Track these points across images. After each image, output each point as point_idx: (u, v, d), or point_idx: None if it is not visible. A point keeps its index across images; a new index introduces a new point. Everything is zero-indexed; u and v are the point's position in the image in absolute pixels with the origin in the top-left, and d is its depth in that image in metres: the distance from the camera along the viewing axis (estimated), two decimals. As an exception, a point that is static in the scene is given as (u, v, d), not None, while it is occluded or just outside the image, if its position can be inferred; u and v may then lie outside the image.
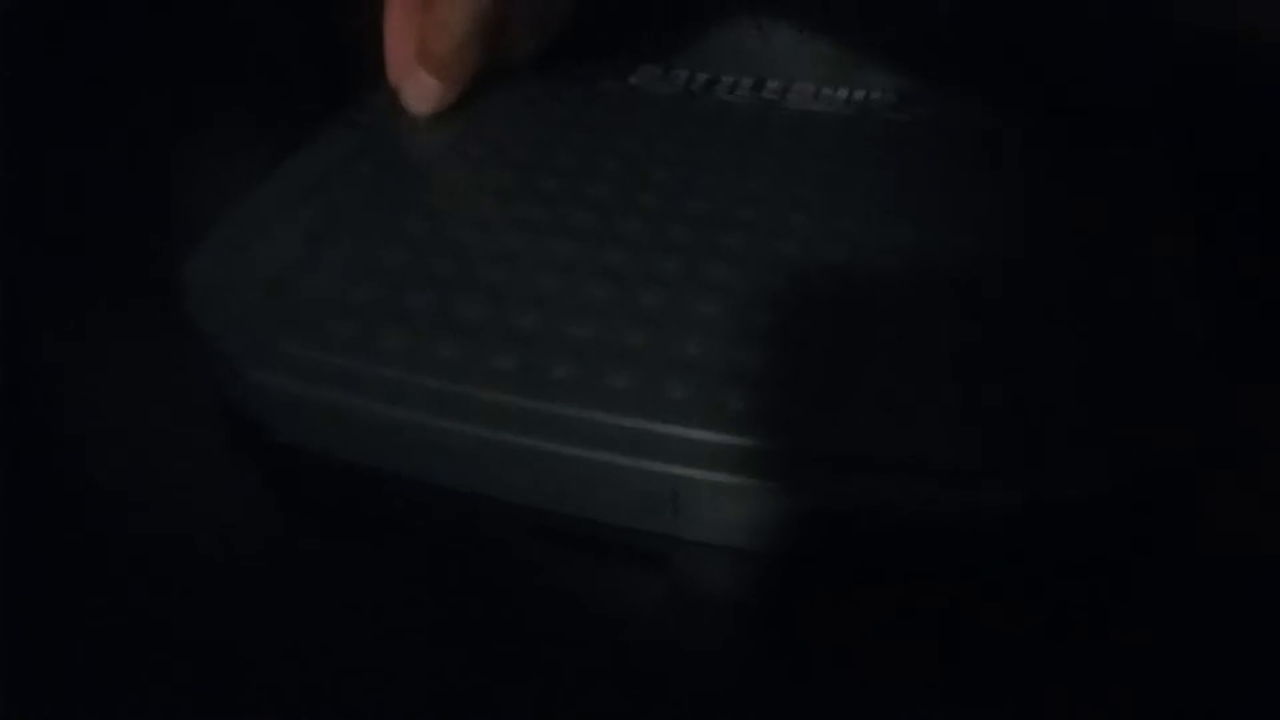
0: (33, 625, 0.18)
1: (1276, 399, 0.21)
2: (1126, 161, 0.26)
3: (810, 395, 0.19)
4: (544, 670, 0.17)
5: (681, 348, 0.20)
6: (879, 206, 0.24)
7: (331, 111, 0.29)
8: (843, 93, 0.29)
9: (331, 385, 0.20)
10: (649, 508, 0.19)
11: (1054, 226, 0.24)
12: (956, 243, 0.23)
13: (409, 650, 0.18)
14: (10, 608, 0.18)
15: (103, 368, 0.25)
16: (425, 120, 0.28)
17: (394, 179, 0.26)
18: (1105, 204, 0.24)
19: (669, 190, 0.25)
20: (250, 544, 0.20)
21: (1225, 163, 0.26)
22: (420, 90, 0.28)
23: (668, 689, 0.17)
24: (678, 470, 0.18)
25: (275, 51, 0.38)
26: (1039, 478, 0.18)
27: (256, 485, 0.22)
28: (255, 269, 0.23)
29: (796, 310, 0.21)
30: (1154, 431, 0.18)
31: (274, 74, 0.36)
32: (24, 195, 0.29)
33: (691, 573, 0.19)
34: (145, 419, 0.23)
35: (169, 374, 0.24)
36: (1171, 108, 0.27)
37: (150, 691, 0.17)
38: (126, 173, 0.31)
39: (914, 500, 0.18)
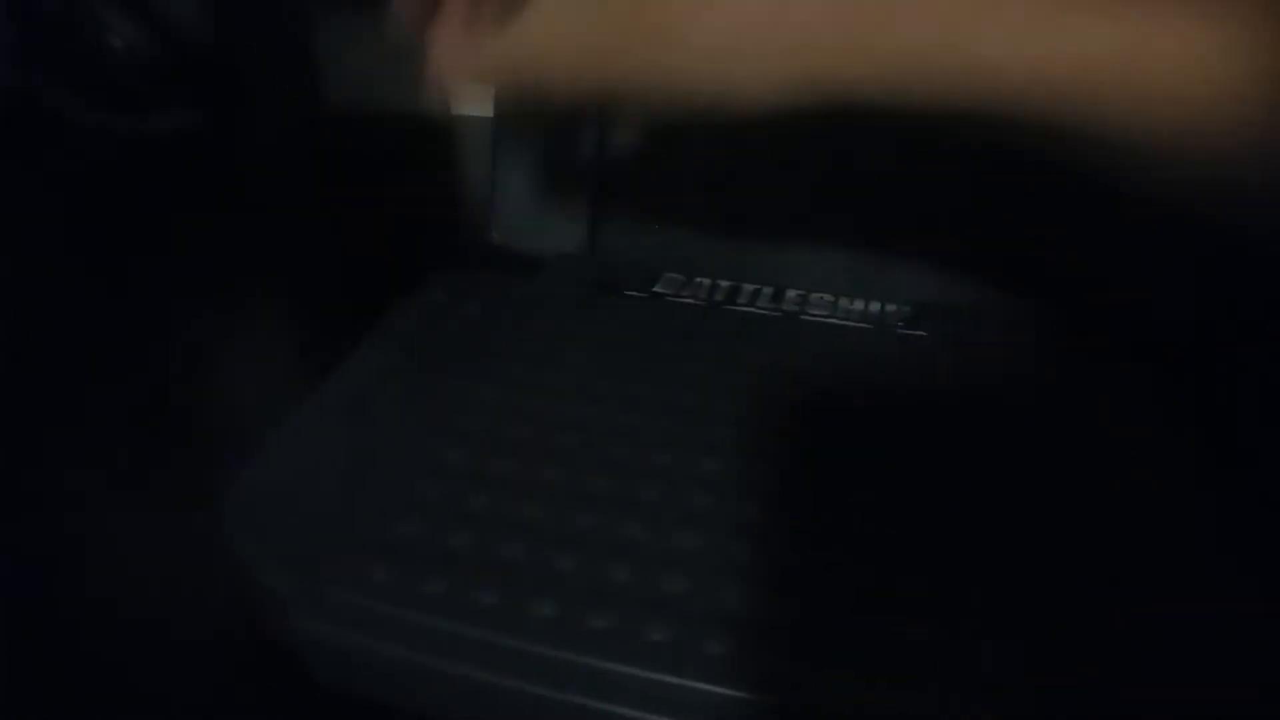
0: None
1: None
2: (1140, 386, 0.27)
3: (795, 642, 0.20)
4: None
5: (720, 599, 0.21)
6: (883, 439, 0.25)
7: (367, 313, 0.30)
8: (859, 304, 0.31)
9: (372, 631, 0.21)
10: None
11: (1065, 464, 0.24)
12: (961, 475, 0.24)
13: None
14: None
15: (137, 589, 0.25)
16: (458, 332, 0.29)
17: (429, 404, 0.27)
18: (1121, 441, 0.25)
19: (694, 416, 0.26)
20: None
21: (1238, 383, 0.27)
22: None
23: None
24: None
25: (310, 257, 0.39)
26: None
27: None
28: (294, 506, 0.23)
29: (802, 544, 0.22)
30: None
31: (309, 278, 0.38)
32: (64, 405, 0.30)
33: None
34: (179, 642, 0.23)
35: (203, 594, 0.24)
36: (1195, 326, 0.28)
37: None
38: (165, 386, 0.31)
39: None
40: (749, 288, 0.32)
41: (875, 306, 0.30)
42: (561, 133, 0.34)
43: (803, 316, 0.30)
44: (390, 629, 0.20)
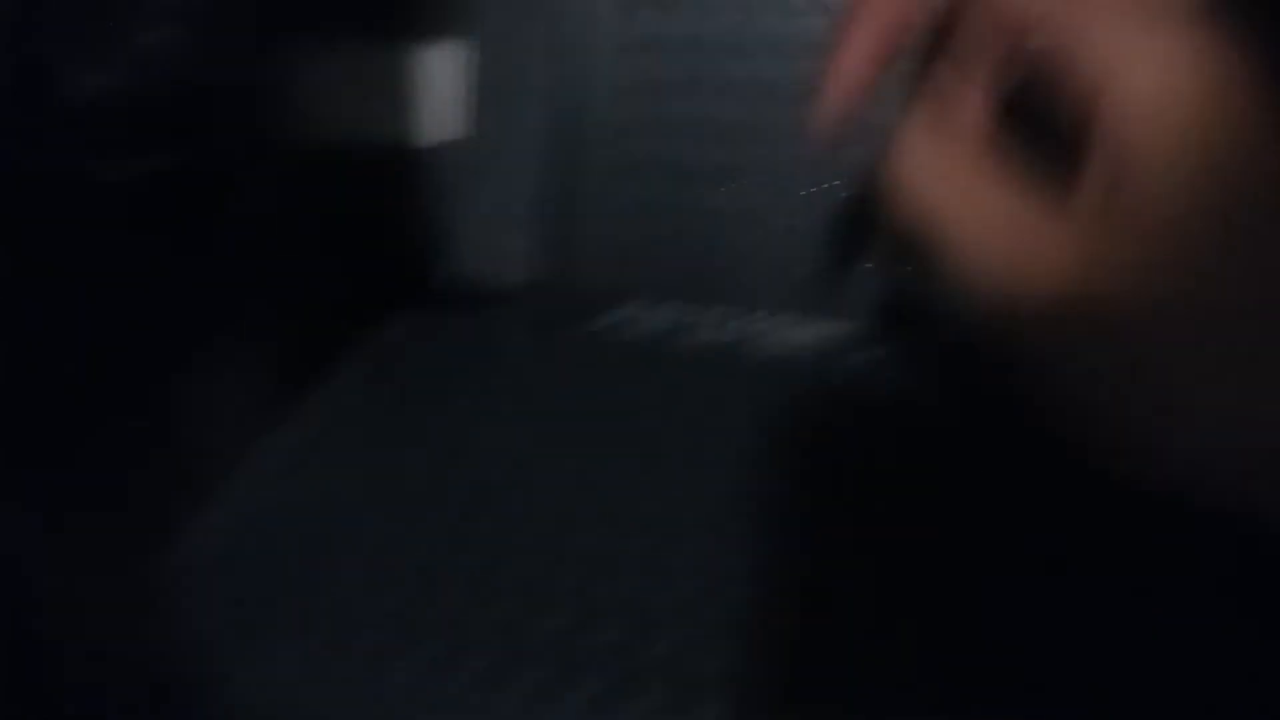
0: None
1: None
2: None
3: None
4: None
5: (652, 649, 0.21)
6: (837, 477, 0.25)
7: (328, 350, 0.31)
8: (811, 329, 0.30)
9: (304, 692, 0.21)
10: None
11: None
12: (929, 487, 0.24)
13: None
14: None
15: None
16: (413, 373, 0.30)
17: (370, 454, 0.27)
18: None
19: (644, 450, 0.26)
20: None
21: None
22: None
23: None
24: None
25: (272, 295, 0.40)
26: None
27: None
28: (238, 557, 0.24)
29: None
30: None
31: (269, 318, 0.38)
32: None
33: None
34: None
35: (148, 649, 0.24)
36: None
37: None
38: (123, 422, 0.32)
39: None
40: (709, 314, 0.32)
41: (828, 329, 0.30)
42: (522, 165, 0.34)
43: (760, 340, 0.30)
44: (323, 688, 0.21)
